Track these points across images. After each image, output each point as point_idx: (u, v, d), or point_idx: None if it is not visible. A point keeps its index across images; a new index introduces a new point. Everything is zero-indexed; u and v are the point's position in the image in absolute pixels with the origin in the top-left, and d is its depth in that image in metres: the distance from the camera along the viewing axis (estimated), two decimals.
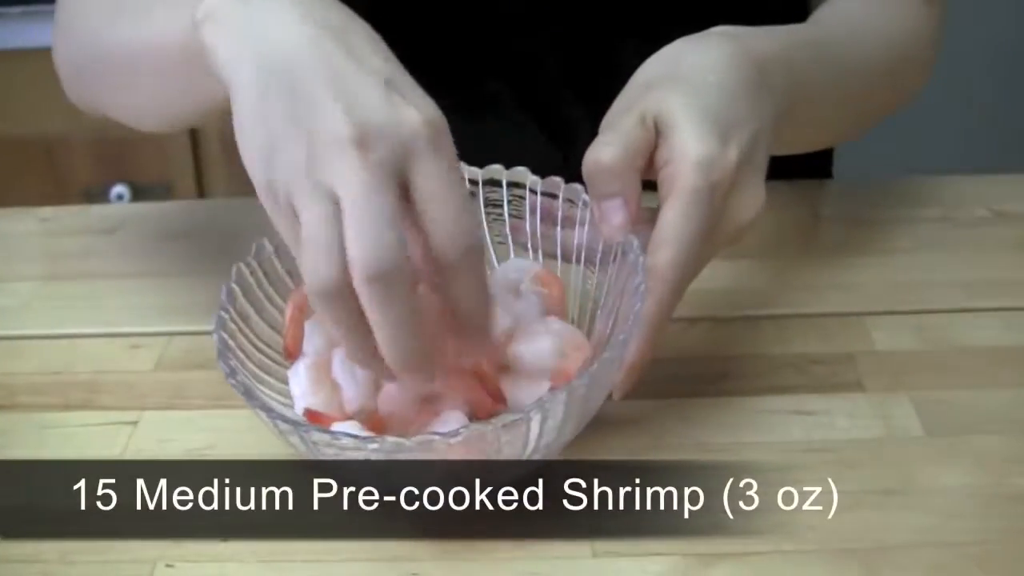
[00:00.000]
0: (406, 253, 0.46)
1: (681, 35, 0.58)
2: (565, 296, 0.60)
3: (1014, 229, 0.74)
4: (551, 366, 0.55)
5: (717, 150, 0.52)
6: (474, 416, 0.53)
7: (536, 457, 0.50)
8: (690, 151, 0.52)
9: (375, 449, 0.47)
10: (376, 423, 0.53)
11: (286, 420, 0.49)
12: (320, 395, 0.54)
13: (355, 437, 0.47)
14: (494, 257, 0.62)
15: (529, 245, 0.61)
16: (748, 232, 0.55)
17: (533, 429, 0.48)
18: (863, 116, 0.71)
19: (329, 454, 0.48)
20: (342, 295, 0.46)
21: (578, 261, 0.60)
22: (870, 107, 0.71)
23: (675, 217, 0.52)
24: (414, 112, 0.47)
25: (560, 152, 0.82)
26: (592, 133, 0.55)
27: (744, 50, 0.56)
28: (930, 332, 0.64)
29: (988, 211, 0.75)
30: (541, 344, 0.55)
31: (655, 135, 0.53)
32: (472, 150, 0.65)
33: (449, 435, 0.46)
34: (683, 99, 0.53)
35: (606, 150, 0.53)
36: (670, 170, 0.52)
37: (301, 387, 0.54)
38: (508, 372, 0.55)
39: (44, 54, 0.75)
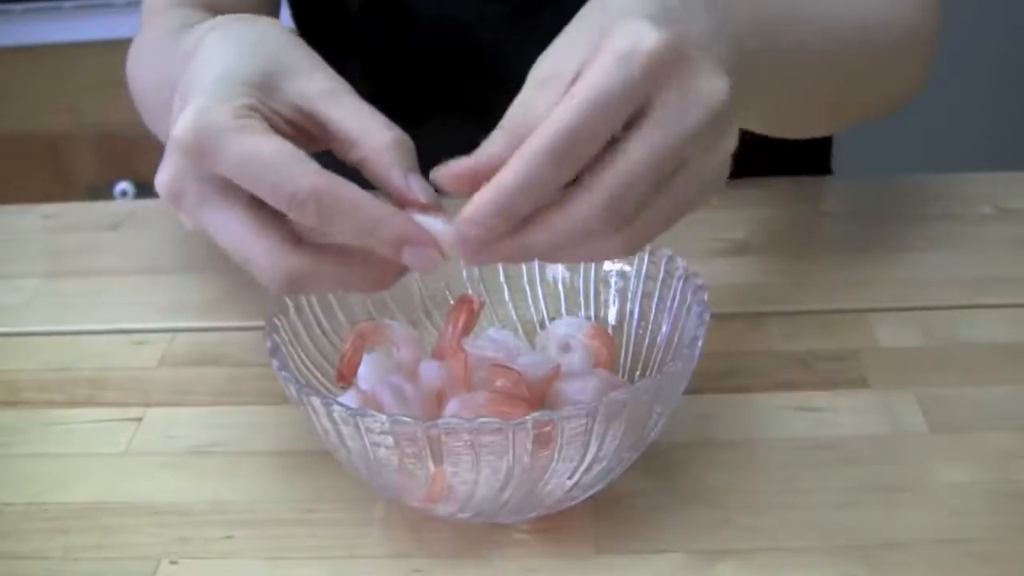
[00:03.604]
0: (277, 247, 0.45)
1: None
2: (615, 355, 0.58)
3: (1019, 226, 0.74)
4: None
5: (648, 26, 0.43)
6: None
7: (591, 474, 0.49)
8: (615, 31, 0.43)
9: (431, 428, 0.45)
10: None
11: (344, 407, 0.47)
12: None
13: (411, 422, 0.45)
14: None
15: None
16: (717, 137, 0.44)
17: (598, 429, 0.47)
18: (839, 96, 0.66)
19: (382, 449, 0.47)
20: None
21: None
22: (848, 89, 0.66)
23: (592, 74, 0.42)
24: (178, 128, 0.46)
25: None
26: None
27: None
28: (935, 329, 0.64)
29: (993, 208, 0.75)
30: (586, 384, 0.53)
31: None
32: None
33: (513, 423, 0.45)
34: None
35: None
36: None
37: None
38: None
39: (47, 51, 0.75)
